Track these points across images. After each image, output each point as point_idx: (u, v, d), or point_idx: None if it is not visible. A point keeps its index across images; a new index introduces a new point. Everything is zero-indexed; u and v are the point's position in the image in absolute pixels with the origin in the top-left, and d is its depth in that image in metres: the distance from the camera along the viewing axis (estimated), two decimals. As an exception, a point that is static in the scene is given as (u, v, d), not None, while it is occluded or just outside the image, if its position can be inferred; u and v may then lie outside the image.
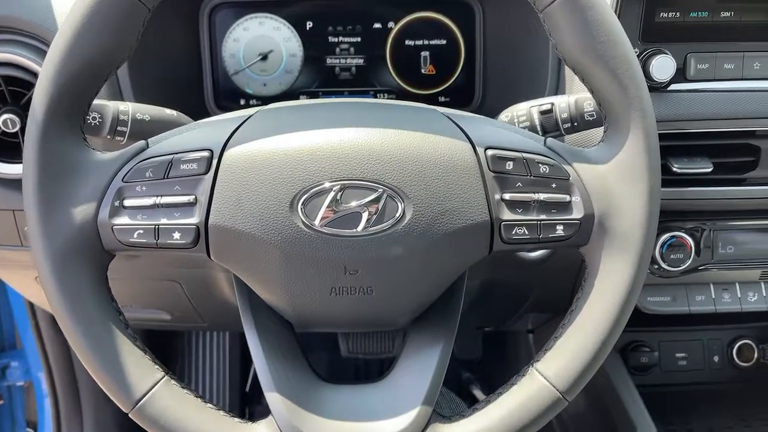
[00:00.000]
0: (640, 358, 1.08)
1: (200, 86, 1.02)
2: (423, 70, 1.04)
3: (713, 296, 0.94)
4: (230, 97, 1.03)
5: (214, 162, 0.60)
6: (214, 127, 0.63)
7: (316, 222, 0.59)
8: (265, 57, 1.01)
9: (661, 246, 0.88)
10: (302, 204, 0.59)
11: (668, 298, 0.93)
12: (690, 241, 0.88)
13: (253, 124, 0.63)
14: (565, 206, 0.63)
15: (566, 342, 0.63)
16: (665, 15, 0.84)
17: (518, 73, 1.00)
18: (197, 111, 0.99)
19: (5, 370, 1.45)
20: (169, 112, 0.75)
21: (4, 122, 0.83)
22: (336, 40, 1.02)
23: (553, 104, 0.76)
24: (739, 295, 0.94)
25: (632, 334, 1.07)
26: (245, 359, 1.60)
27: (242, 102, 1.03)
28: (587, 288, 0.64)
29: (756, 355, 1.09)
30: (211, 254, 0.61)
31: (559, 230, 0.63)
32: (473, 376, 1.63)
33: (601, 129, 0.67)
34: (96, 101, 0.69)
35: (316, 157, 0.60)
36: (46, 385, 1.34)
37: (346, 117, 0.63)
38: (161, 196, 0.60)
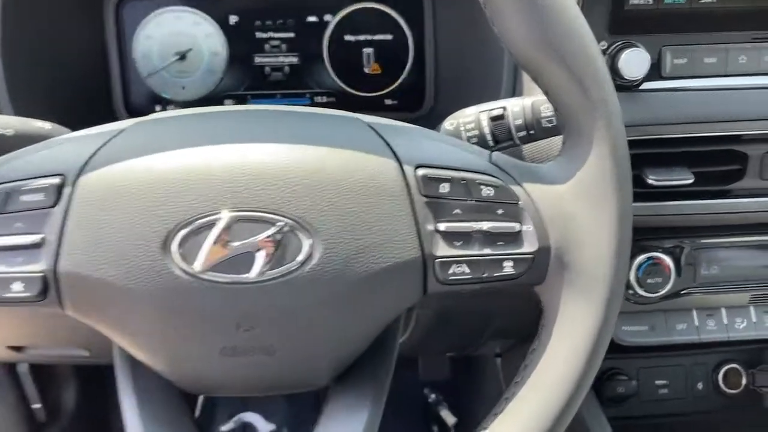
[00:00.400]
0: (616, 388, 0.96)
1: (108, 92, 0.88)
2: (366, 70, 0.91)
3: (697, 324, 0.83)
4: (144, 103, 0.89)
5: (66, 191, 0.47)
6: (74, 144, 0.50)
7: (197, 266, 0.47)
8: (183, 56, 0.88)
9: (637, 269, 0.76)
10: (178, 243, 0.47)
11: (646, 327, 0.82)
12: (669, 262, 0.76)
13: (121, 142, 0.50)
14: (515, 237, 0.51)
15: (520, 406, 0.51)
16: (636, 2, 0.73)
17: (474, 72, 0.88)
18: (106, 122, 0.86)
19: None
20: (39, 125, 0.62)
21: None
22: (265, 35, 0.89)
23: (505, 108, 0.64)
24: (726, 322, 0.83)
25: (607, 362, 0.95)
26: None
27: (158, 108, 0.90)
28: (544, 337, 0.52)
29: (744, 381, 0.98)
30: (66, 308, 0.48)
31: (508, 267, 0.50)
32: (441, 397, 1.52)
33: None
34: None
35: (197, 183, 0.47)
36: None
37: (241, 130, 0.51)
38: None
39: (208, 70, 0.89)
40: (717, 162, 0.77)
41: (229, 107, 0.54)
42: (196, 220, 0.47)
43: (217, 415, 1.52)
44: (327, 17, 0.89)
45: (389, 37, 0.90)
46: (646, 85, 0.73)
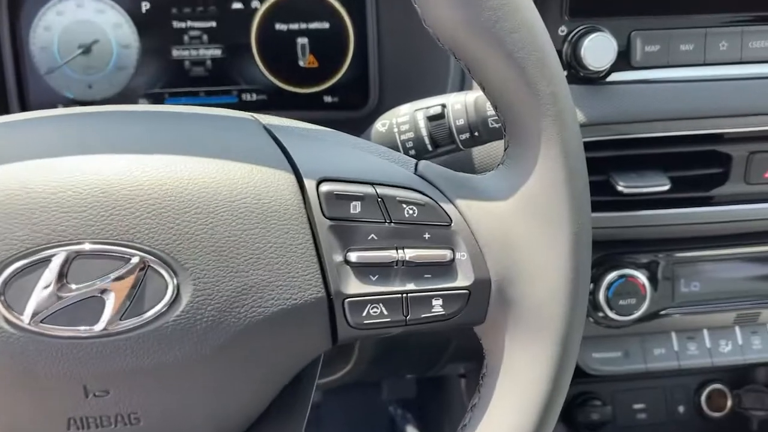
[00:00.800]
0: (589, 414, 0.86)
1: (2, 91, 0.76)
2: (301, 63, 0.80)
3: (676, 348, 0.73)
4: (44, 103, 0.78)
5: None
6: None
7: (26, 316, 0.36)
8: (88, 50, 0.77)
9: (607, 289, 0.66)
10: (2, 287, 0.36)
11: (619, 353, 0.72)
12: (644, 279, 0.67)
13: None
14: (445, 268, 0.40)
15: None
16: (600, -22, 0.62)
17: (425, 64, 0.77)
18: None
19: None
20: None
21: None
22: (183, 25, 0.78)
23: (444, 106, 0.54)
24: (709, 345, 0.73)
25: (579, 386, 0.86)
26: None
27: (62, 110, 0.78)
28: (486, 390, 0.42)
29: (729, 403, 0.88)
30: None
31: (437, 306, 0.40)
32: (408, 415, 1.42)
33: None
34: None
35: (26, 207, 0.36)
36: None
37: (91, 136, 0.39)
38: None
39: (118, 66, 0.78)
40: (696, 165, 0.67)
41: (81, 108, 0.43)
42: (24, 256, 0.36)
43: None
44: (254, 3, 0.78)
45: (326, 25, 0.80)
46: (613, 77, 0.63)
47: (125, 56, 0.78)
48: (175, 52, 0.78)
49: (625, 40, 0.63)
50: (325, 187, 0.39)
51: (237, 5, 0.78)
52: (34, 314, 0.36)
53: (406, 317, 0.40)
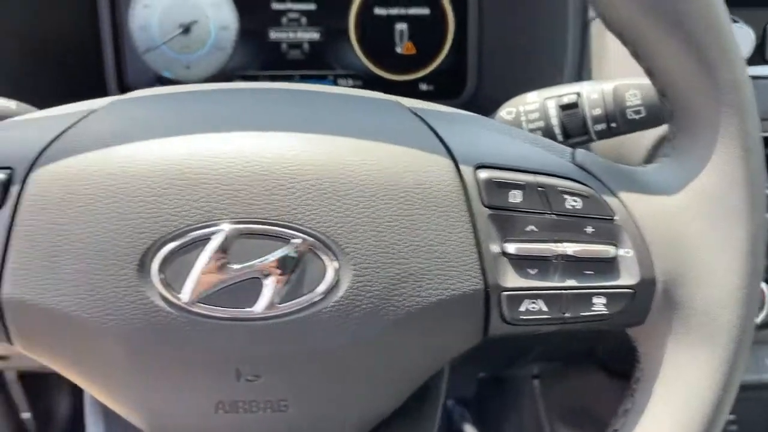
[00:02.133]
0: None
1: (100, 70, 0.76)
2: (398, 49, 0.78)
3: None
4: (142, 83, 0.78)
5: (14, 189, 0.35)
6: (28, 128, 0.38)
7: (184, 295, 0.35)
8: (187, 29, 0.76)
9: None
10: (160, 265, 0.35)
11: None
12: (764, 286, 0.63)
13: (90, 126, 0.38)
14: (609, 265, 0.38)
15: None
16: (737, -34, 0.59)
17: (527, 52, 0.75)
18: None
19: None
20: (4, 103, 0.50)
21: None
22: (282, 7, 0.77)
23: (579, 95, 0.51)
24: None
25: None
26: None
27: (158, 89, 0.78)
28: (641, 397, 0.40)
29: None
30: (14, 340, 0.37)
31: (599, 304, 0.38)
32: (466, 413, 1.40)
33: (650, 135, 0.42)
34: None
35: (187, 184, 0.35)
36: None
37: (247, 114, 0.38)
38: None
39: (216, 46, 0.77)
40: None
41: (231, 84, 0.42)
42: (185, 233, 0.35)
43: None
44: (355, -13, 0.77)
45: (426, 11, 0.78)
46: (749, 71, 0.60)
47: (223, 37, 0.77)
48: (273, 35, 0.77)
49: (761, 31, 0.60)
50: (483, 174, 0.37)
51: (337, -12, 0.77)
52: (193, 294, 0.35)
53: (563, 314, 0.38)
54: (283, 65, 0.78)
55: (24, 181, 0.35)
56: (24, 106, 0.52)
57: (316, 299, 0.35)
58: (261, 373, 0.36)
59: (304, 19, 0.77)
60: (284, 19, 0.77)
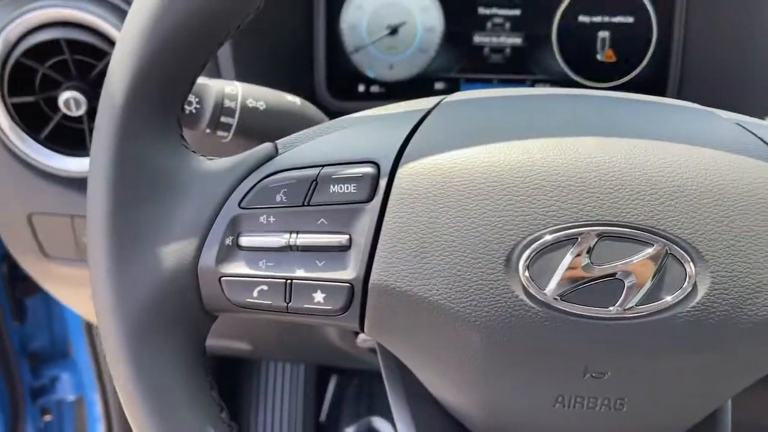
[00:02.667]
0: None
1: (310, 67, 0.79)
2: (599, 56, 0.79)
3: None
4: (346, 81, 0.80)
5: (382, 184, 0.38)
6: (376, 126, 0.40)
7: (548, 291, 0.36)
8: (394, 31, 0.78)
9: None
10: (526, 261, 0.36)
11: None
12: None
13: (438, 124, 0.40)
14: None
15: None
16: None
17: (732, 69, 0.74)
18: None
19: (55, 383, 1.27)
20: (291, 99, 0.53)
21: (66, 102, 0.62)
22: (488, 12, 0.78)
23: None
24: None
25: None
26: (320, 386, 1.40)
27: (361, 88, 0.80)
28: None
29: None
30: (366, 327, 0.39)
31: None
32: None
33: None
34: None
35: (551, 185, 0.36)
36: (99, 407, 1.16)
37: (591, 118, 0.40)
38: (297, 233, 0.38)
39: (420, 48, 0.79)
40: None
41: (551, 90, 0.44)
42: (552, 232, 0.36)
43: (343, 416, 1.45)
44: (560, -6, 0.77)
45: (630, 19, 0.78)
46: None
47: (428, 39, 0.79)
48: (477, 38, 0.79)
49: None
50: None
51: (543, -5, 0.78)
52: (556, 290, 0.36)
53: None
54: (484, 69, 0.79)
55: (391, 177, 0.38)
56: (305, 102, 0.55)
57: (673, 303, 0.36)
58: (608, 370, 0.37)
59: (508, 24, 0.78)
60: (489, 24, 0.78)
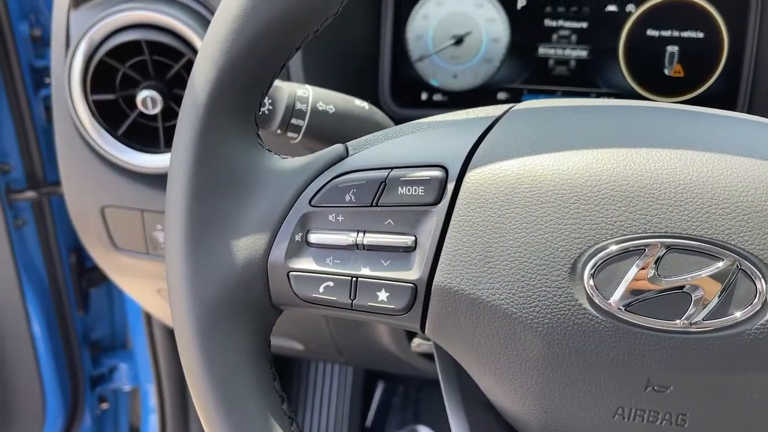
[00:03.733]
0: None
1: (375, 74, 0.81)
2: (666, 71, 0.78)
3: None
4: (409, 89, 0.81)
5: (450, 187, 0.38)
6: (445, 131, 0.41)
7: (613, 301, 0.36)
8: (459, 41, 0.79)
9: None
10: (592, 270, 0.36)
11: None
12: None
13: (507, 131, 0.40)
14: None
15: None
16: None
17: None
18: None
19: (113, 372, 1.32)
20: (359, 104, 0.55)
21: (144, 100, 0.65)
22: (554, 24, 0.78)
23: None
24: None
25: None
26: (367, 391, 1.41)
27: (424, 96, 0.81)
28: None
29: None
30: (427, 328, 0.39)
31: None
32: None
33: None
34: None
35: (620, 195, 0.36)
36: (154, 398, 1.19)
37: (661, 130, 0.39)
38: (365, 232, 0.39)
39: (485, 59, 0.79)
40: None
41: (619, 101, 0.44)
42: (619, 243, 0.36)
43: (389, 422, 1.46)
44: (629, 8, 0.77)
45: (700, 35, 0.76)
46: None
47: (493, 50, 0.79)
48: (542, 50, 0.79)
49: None
50: None
51: (611, 8, 0.77)
52: (621, 301, 0.36)
53: None
54: (548, 80, 0.79)
55: (459, 181, 0.38)
56: (372, 107, 0.56)
57: (742, 320, 0.36)
58: (671, 384, 0.37)
59: (574, 37, 0.78)
60: (555, 36, 0.78)
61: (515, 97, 0.80)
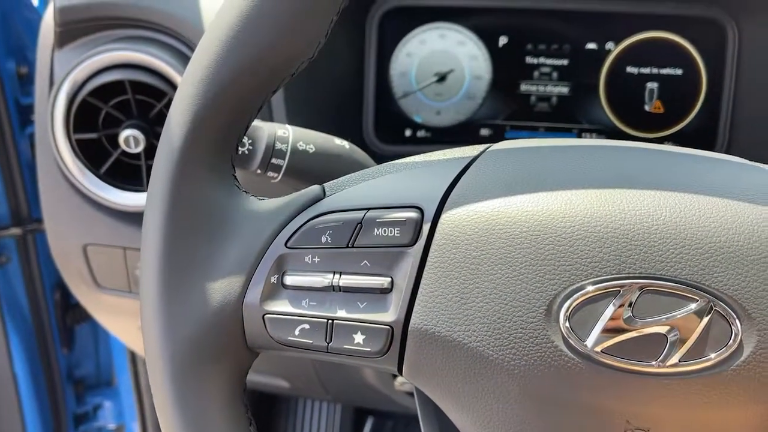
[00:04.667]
0: None
1: (359, 111, 0.81)
2: (647, 107, 0.79)
3: None
4: (393, 126, 0.82)
5: (425, 228, 0.38)
6: (421, 172, 0.41)
7: (589, 343, 0.36)
8: (442, 78, 0.80)
9: None
10: (567, 311, 0.36)
11: None
12: None
13: (482, 172, 0.40)
14: None
15: None
16: None
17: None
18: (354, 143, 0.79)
19: (97, 410, 1.30)
20: (339, 143, 0.55)
21: (126, 139, 0.65)
22: (535, 61, 0.79)
23: None
24: None
25: None
26: (357, 428, 1.39)
27: (407, 133, 0.82)
28: None
29: None
30: (404, 370, 0.39)
31: None
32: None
33: None
34: None
35: (595, 236, 0.37)
36: (138, 437, 1.17)
37: (636, 171, 0.40)
38: (341, 274, 0.39)
39: (468, 95, 0.80)
40: None
41: (598, 142, 0.44)
42: (593, 284, 0.36)
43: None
44: (609, 45, 0.78)
45: (679, 72, 0.78)
46: None
47: (475, 87, 0.80)
48: (523, 87, 0.80)
49: None
50: None
51: (591, 45, 0.79)
52: (597, 343, 0.36)
53: None
54: (530, 117, 0.80)
55: (435, 222, 0.38)
56: (353, 146, 0.56)
57: (718, 361, 0.35)
58: (650, 426, 0.36)
59: (555, 74, 0.79)
60: (536, 73, 0.79)
61: (498, 133, 0.81)
